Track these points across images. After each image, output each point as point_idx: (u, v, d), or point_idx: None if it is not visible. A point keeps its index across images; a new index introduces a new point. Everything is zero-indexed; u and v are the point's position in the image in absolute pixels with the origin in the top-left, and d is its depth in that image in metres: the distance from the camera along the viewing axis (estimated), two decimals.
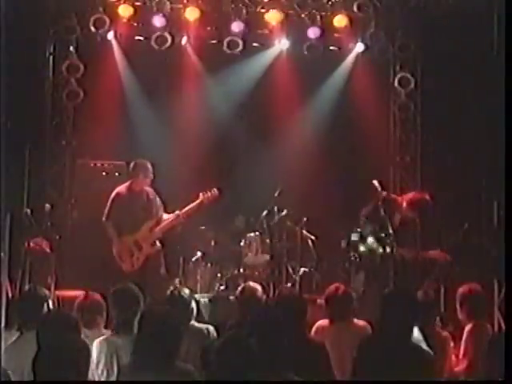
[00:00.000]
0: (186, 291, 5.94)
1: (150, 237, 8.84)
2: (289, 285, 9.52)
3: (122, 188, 8.89)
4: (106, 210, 8.77)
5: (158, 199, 8.95)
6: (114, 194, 8.85)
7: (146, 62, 10.30)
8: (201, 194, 8.98)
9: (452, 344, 6.13)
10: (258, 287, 6.28)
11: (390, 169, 10.66)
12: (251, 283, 6.46)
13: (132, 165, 8.90)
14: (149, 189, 8.92)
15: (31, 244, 8.49)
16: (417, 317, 5.14)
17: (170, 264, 9.16)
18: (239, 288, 6.41)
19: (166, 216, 8.97)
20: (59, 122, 10.16)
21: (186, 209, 8.96)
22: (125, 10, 10.08)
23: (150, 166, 8.83)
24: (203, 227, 9.88)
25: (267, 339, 4.29)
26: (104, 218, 8.78)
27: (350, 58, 10.64)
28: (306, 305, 5.49)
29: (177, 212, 8.96)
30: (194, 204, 8.97)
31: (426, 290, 6.45)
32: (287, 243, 9.76)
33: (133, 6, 10.12)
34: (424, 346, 4.96)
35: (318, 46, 10.39)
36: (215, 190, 9.03)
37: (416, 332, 4.97)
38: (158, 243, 8.93)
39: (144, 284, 8.06)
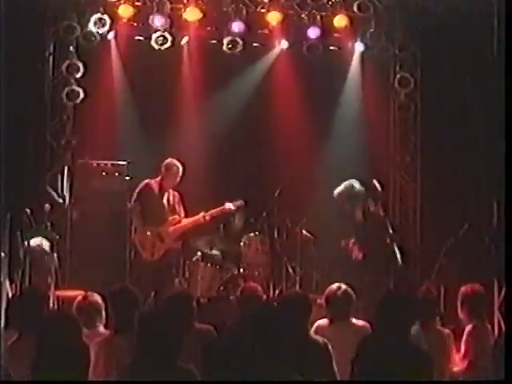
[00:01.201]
0: None
1: (173, 232, 9.08)
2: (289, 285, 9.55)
3: (151, 181, 9.14)
4: (134, 195, 8.99)
5: (181, 204, 9.17)
6: (143, 183, 9.09)
7: (146, 62, 10.30)
8: (227, 203, 9.26)
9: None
10: (258, 287, 6.28)
11: (389, 169, 10.66)
12: (251, 283, 6.46)
13: (165, 164, 9.10)
14: (175, 192, 9.17)
15: (31, 244, 8.49)
16: (416, 317, 5.15)
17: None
18: (239, 288, 6.41)
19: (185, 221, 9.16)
20: (59, 122, 10.15)
21: (211, 212, 9.16)
22: (125, 10, 10.07)
23: (180, 166, 9.04)
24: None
25: (268, 339, 4.28)
26: (132, 202, 8.95)
27: (350, 58, 10.64)
28: (311, 304, 5.49)
29: (202, 213, 9.17)
30: (219, 209, 9.24)
31: (427, 288, 6.44)
32: (287, 243, 9.76)
33: (133, 5, 10.12)
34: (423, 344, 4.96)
35: (318, 46, 10.38)
36: (242, 201, 9.36)
37: (415, 330, 4.97)
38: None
39: (159, 276, 8.35)
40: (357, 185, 8.63)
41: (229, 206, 9.30)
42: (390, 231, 8.01)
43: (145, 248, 8.98)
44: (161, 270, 8.90)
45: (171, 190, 9.18)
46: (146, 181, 9.14)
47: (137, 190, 9.09)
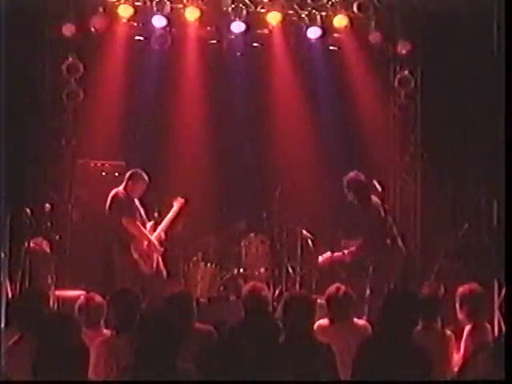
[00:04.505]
0: None
1: (158, 237, 8.84)
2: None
3: (119, 190, 8.73)
4: (121, 208, 8.60)
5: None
6: (113, 194, 8.67)
7: (146, 62, 10.30)
8: (174, 201, 9.03)
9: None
10: (265, 287, 6.25)
11: (390, 169, 10.66)
12: (258, 283, 6.42)
13: (129, 174, 8.76)
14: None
15: (31, 244, 8.49)
16: (417, 317, 5.15)
17: (170, 265, 9.16)
18: (246, 287, 6.33)
19: (149, 224, 8.92)
20: (59, 122, 10.15)
21: (169, 217, 8.95)
22: (125, 10, 10.07)
23: (145, 176, 8.73)
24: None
25: (268, 339, 4.29)
26: (122, 215, 8.56)
27: (350, 57, 10.63)
28: (316, 305, 5.49)
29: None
30: (175, 211, 8.99)
31: (430, 288, 6.43)
32: (287, 243, 9.76)
33: (133, 5, 10.12)
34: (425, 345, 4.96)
35: (318, 46, 10.39)
36: (180, 198, 9.05)
37: (417, 331, 4.97)
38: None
39: (155, 285, 8.19)
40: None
41: (178, 204, 9.02)
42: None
43: (145, 261, 8.61)
44: (165, 280, 8.65)
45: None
46: (114, 191, 8.68)
47: (118, 202, 8.58)
